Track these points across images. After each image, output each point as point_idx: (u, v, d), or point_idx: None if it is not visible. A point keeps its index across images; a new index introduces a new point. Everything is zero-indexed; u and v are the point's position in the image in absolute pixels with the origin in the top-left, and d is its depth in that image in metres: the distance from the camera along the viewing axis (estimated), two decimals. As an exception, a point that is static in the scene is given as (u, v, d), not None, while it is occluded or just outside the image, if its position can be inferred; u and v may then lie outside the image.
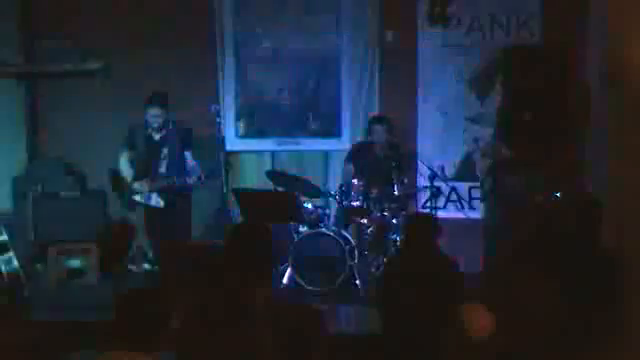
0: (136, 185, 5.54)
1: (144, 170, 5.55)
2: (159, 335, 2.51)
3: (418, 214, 5.82)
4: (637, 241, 3.93)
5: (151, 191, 5.51)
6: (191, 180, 5.36)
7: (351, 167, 6.22)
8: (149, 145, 5.54)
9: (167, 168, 5.48)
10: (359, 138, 6.65)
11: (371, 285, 5.58)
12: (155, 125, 5.46)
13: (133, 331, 2.49)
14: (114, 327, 2.50)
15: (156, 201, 5.51)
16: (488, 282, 5.06)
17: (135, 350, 2.47)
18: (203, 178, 5.33)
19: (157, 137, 5.53)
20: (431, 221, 4.27)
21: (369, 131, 6.27)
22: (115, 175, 5.67)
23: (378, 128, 6.14)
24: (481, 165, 6.02)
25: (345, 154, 6.40)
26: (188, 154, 5.52)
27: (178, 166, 5.48)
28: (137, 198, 5.56)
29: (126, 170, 5.60)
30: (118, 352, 2.49)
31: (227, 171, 6.08)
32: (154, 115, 5.42)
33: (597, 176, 4.80)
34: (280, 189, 6.06)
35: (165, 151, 5.49)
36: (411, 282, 3.81)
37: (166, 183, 5.44)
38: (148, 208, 5.58)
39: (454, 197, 6.54)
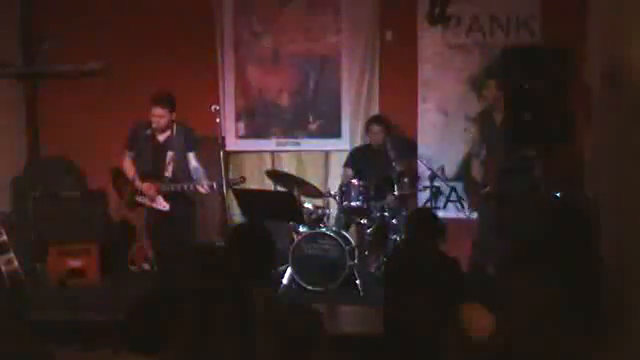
0: (143, 189, 5.39)
1: (149, 172, 5.42)
2: (167, 337, 2.50)
3: (419, 211, 5.81)
4: (637, 242, 3.92)
5: (157, 194, 5.38)
6: (203, 189, 5.22)
7: (350, 171, 6.23)
8: (153, 146, 5.42)
9: (173, 172, 5.37)
10: (359, 138, 6.67)
11: (371, 285, 5.58)
12: (157, 125, 5.35)
13: (149, 334, 2.47)
14: (130, 331, 2.48)
15: (162, 205, 5.40)
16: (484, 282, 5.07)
17: (148, 352, 2.45)
18: (216, 187, 5.17)
19: (161, 139, 5.43)
20: (433, 219, 4.24)
21: (367, 132, 6.28)
22: (117, 174, 5.57)
23: (375, 128, 6.16)
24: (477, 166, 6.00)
25: (345, 158, 6.41)
26: (191, 155, 5.43)
27: (183, 170, 5.40)
28: (140, 200, 5.45)
29: (129, 169, 5.46)
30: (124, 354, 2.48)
31: (227, 171, 6.05)
32: (157, 115, 5.31)
33: (597, 176, 4.79)
34: (280, 189, 6.06)
35: (170, 154, 5.37)
36: (411, 282, 3.81)
37: (173, 189, 5.32)
38: (150, 208, 5.48)
39: (454, 197, 6.53)
